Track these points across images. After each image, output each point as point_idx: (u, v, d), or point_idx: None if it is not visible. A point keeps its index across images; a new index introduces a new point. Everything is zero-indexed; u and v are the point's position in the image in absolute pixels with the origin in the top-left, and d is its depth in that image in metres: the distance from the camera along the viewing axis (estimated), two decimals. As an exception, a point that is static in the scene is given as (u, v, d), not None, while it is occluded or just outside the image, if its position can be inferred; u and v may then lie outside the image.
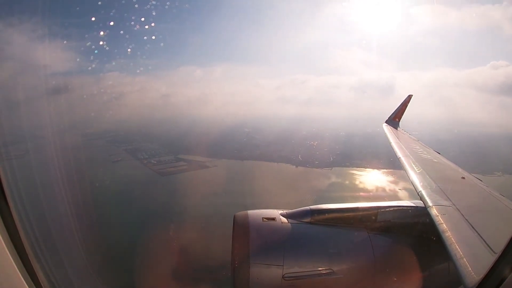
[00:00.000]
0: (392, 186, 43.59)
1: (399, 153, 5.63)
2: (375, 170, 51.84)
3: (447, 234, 2.55)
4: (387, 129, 7.77)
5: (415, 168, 4.65)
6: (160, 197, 38.39)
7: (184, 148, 68.14)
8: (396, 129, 7.94)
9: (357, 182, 49.02)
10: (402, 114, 8.61)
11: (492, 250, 2.28)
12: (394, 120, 8.47)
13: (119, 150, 72.25)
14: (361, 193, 43.80)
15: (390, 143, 6.56)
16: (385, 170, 50.11)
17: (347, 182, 49.60)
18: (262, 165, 57.55)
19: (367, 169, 53.49)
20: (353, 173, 52.47)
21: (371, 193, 43.43)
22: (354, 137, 64.52)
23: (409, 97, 8.77)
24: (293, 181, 47.38)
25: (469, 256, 2.23)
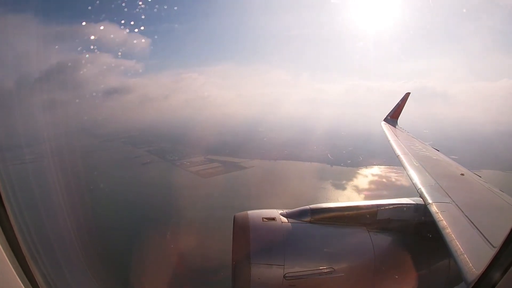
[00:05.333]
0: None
1: (398, 151, 5.59)
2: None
3: (447, 231, 2.55)
4: (385, 127, 7.64)
5: (414, 165, 4.65)
6: (225, 200, 38.08)
7: (205, 149, 67.45)
8: (395, 127, 7.89)
9: (393, 180, 51.59)
10: (400, 112, 8.57)
11: (492, 246, 2.27)
12: (392, 118, 8.41)
13: (141, 152, 69.97)
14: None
15: (388, 141, 6.48)
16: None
17: (384, 180, 52.12)
18: (297, 165, 58.32)
19: (396, 167, 56.21)
20: (386, 171, 55.04)
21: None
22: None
23: (407, 95, 8.74)
24: (339, 180, 48.91)
25: (470, 252, 2.23)
